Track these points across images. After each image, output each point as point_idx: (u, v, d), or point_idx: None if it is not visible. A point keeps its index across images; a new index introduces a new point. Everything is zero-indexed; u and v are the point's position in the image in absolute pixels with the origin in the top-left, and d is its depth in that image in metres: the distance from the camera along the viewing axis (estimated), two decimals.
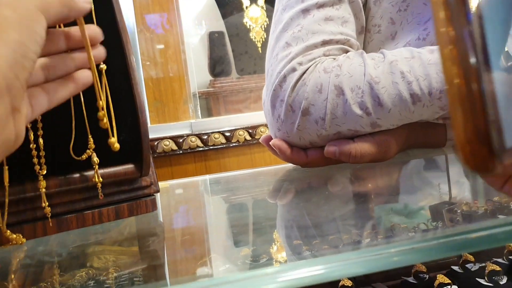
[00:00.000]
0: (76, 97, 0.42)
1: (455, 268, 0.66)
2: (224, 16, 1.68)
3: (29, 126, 0.40)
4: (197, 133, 1.45)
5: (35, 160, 0.40)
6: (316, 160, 0.64)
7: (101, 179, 0.43)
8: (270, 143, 0.66)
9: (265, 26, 1.66)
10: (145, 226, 0.49)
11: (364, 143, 0.61)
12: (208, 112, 1.65)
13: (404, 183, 0.64)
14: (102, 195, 0.44)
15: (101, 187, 0.44)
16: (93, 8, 0.41)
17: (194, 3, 1.70)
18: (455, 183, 0.59)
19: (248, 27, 1.64)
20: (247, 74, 1.69)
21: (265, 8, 1.67)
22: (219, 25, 1.69)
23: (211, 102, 1.64)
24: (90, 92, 0.43)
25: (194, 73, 1.51)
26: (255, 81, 1.64)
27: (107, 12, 0.46)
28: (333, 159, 0.63)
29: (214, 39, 1.65)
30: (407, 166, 0.70)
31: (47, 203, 0.41)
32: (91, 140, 0.43)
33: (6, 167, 0.38)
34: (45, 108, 0.35)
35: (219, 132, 1.46)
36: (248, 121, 1.49)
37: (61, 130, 0.42)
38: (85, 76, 0.38)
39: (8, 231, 0.38)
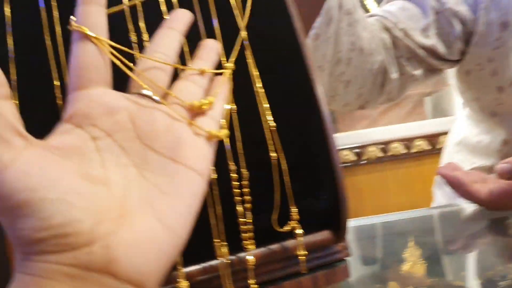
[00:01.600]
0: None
1: None
2: None
3: (239, 199, 0.38)
4: None
5: (244, 235, 0.38)
6: (501, 199, 0.58)
7: (306, 252, 0.40)
8: (448, 174, 0.63)
9: None
10: None
11: None
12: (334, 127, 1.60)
13: None
14: (305, 269, 0.41)
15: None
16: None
17: None
18: None
19: None
20: None
21: None
22: None
23: (337, 117, 1.59)
24: (291, 155, 0.41)
25: None
26: None
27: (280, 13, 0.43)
28: None
29: None
30: None
31: (254, 280, 0.39)
32: (294, 210, 0.40)
33: (226, 243, 0.37)
34: None
35: (348, 148, 1.41)
36: (380, 136, 1.42)
37: (263, 196, 0.40)
38: None
39: None
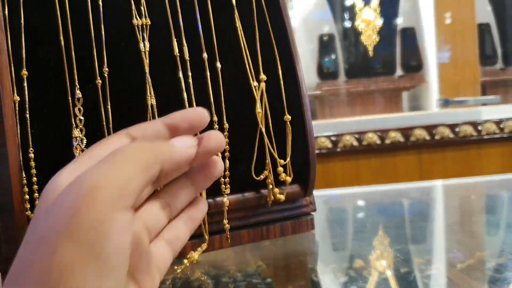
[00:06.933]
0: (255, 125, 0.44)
1: None
2: (335, 18, 1.67)
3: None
4: None
5: (222, 179, 0.42)
6: None
7: (273, 198, 0.45)
8: None
9: (378, 30, 1.62)
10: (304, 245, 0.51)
11: None
12: (313, 115, 1.66)
13: None
14: (273, 213, 0.46)
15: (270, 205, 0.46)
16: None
17: (305, 5, 1.70)
18: None
19: (360, 30, 1.62)
20: (356, 78, 1.67)
21: (378, 11, 1.64)
22: (330, 27, 1.68)
23: (316, 105, 1.64)
24: (274, 110, 0.45)
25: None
26: (363, 85, 1.62)
27: (275, 13, 0.48)
28: None
29: (324, 42, 1.65)
30: None
31: (227, 221, 0.43)
32: (269, 162, 0.45)
33: None
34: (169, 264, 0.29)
35: (325, 136, 1.46)
36: (356, 126, 1.48)
37: (242, 150, 0.45)
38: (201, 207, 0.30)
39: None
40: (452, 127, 1.50)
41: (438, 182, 0.96)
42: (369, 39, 1.61)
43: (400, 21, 1.68)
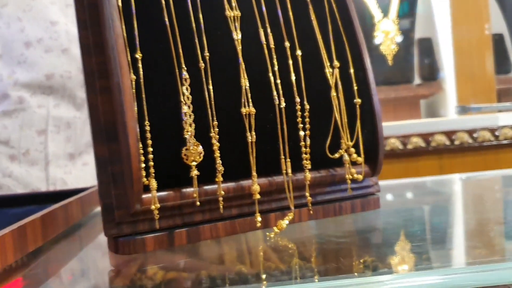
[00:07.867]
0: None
1: None
2: None
3: (300, 126, 0.46)
4: None
5: (304, 156, 0.46)
6: None
7: (351, 176, 0.49)
8: None
9: (396, 40, 1.68)
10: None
11: None
12: None
13: None
14: (351, 190, 0.49)
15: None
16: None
17: None
18: None
19: (378, 40, 1.68)
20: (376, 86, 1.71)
21: (396, 22, 1.69)
22: None
23: None
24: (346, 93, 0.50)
25: None
26: (384, 93, 1.66)
27: (342, 5, 0.52)
28: None
29: None
30: None
31: (308, 193, 0.47)
32: (343, 142, 0.49)
33: (288, 160, 0.45)
34: None
35: None
36: None
37: (320, 130, 0.49)
38: None
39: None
40: (470, 132, 1.54)
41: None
42: (388, 49, 1.66)
43: (417, 32, 1.74)
